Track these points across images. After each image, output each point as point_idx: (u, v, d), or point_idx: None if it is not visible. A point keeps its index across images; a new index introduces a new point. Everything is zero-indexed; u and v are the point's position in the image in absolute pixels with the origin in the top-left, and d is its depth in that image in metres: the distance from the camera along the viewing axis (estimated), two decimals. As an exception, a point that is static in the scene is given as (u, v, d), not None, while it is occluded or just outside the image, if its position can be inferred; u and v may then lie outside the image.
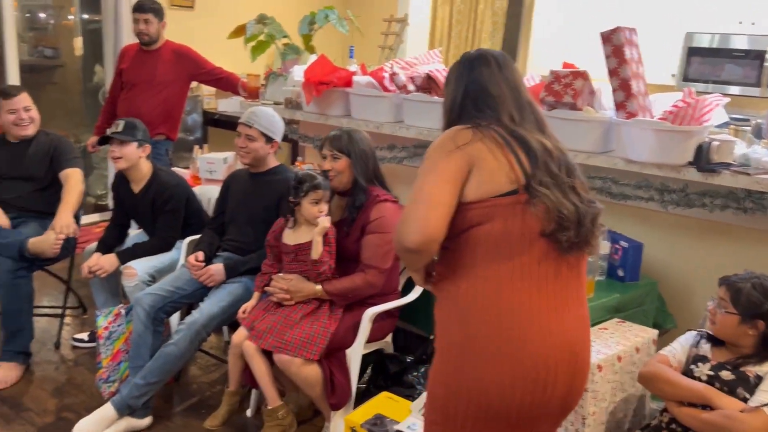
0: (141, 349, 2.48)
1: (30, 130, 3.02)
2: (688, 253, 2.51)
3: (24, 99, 3.00)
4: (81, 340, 3.12)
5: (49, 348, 3.07)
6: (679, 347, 1.97)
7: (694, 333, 2.02)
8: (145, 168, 2.88)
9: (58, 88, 6.17)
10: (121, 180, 2.95)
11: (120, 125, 2.78)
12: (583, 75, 2.44)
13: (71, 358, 3.01)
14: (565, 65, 2.73)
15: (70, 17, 6.20)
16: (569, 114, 2.46)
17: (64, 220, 2.82)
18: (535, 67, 5.49)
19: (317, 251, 2.31)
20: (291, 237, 2.41)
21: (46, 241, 2.76)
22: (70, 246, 2.99)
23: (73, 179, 2.99)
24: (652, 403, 2.29)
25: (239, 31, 3.90)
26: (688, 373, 1.89)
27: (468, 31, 5.93)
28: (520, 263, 1.34)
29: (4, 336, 2.78)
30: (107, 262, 2.77)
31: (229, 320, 2.61)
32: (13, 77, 4.49)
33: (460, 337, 1.37)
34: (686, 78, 4.79)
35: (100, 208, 5.16)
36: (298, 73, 3.45)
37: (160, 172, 2.92)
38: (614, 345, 2.08)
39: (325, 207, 2.35)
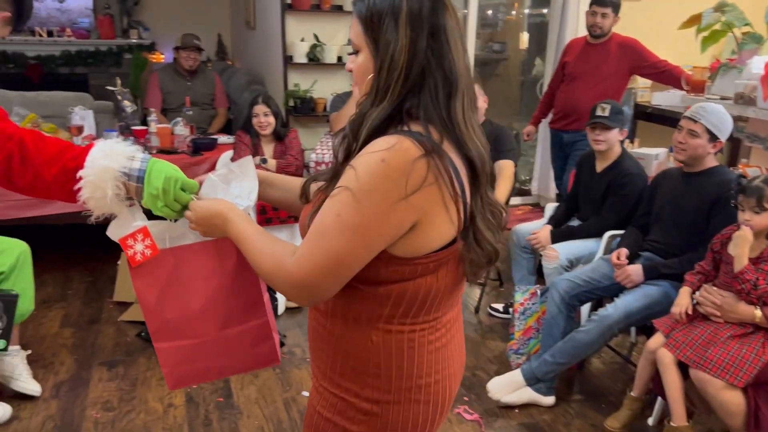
0: (552, 330, 2.61)
1: None
2: None
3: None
4: (496, 310, 3.44)
5: (470, 311, 3.47)
6: None
7: None
8: (616, 150, 2.98)
9: (499, 79, 6.79)
10: (588, 157, 3.11)
11: (606, 109, 2.93)
12: None
13: (487, 324, 3.35)
14: None
15: (512, 12, 6.72)
16: None
17: None
18: None
19: (740, 263, 2.07)
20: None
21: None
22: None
23: (506, 171, 3.30)
24: None
25: (693, 20, 3.65)
26: None
27: None
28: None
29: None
30: (543, 236, 2.99)
31: (641, 322, 2.53)
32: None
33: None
34: None
35: (523, 193, 5.53)
36: (757, 65, 3.06)
37: (626, 157, 2.98)
38: None
39: (751, 215, 2.07)
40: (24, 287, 2.58)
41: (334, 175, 1.04)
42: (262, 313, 1.25)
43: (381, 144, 0.97)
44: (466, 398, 2.64)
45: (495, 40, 6.76)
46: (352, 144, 1.04)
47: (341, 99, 3.66)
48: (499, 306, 3.45)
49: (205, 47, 4.83)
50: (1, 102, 3.98)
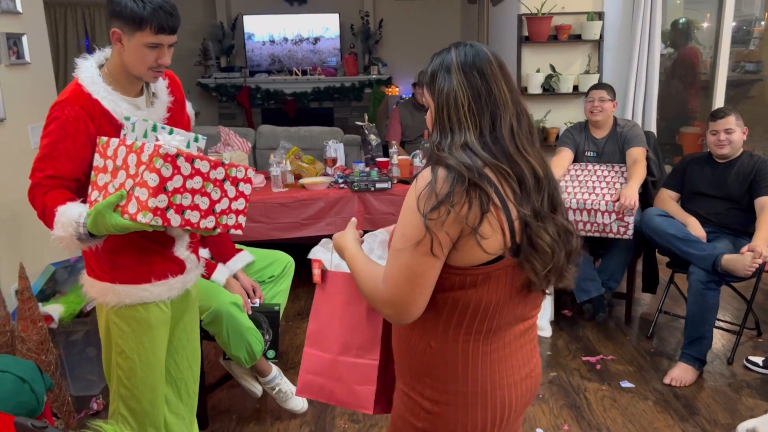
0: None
1: (725, 150, 3.13)
2: None
3: (727, 122, 3.10)
4: (755, 364, 3.07)
5: (722, 361, 3.15)
6: None
7: None
8: None
9: (753, 102, 6.10)
10: None
11: None
12: None
13: (742, 378, 3.01)
14: None
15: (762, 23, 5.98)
16: None
17: (761, 248, 2.82)
18: None
19: None
20: None
21: (740, 261, 2.82)
22: (759, 268, 2.96)
23: None
24: None
25: None
26: None
27: None
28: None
29: (686, 339, 3.00)
30: None
31: None
32: (720, 94, 4.69)
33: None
34: None
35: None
36: None
37: None
38: None
39: None
40: (280, 291, 2.93)
41: None
42: (375, 356, 1.38)
43: (424, 176, 1.14)
44: (719, 460, 2.41)
45: (748, 60, 6.10)
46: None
47: (571, 130, 3.64)
48: (758, 359, 3.08)
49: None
50: (270, 136, 4.59)
